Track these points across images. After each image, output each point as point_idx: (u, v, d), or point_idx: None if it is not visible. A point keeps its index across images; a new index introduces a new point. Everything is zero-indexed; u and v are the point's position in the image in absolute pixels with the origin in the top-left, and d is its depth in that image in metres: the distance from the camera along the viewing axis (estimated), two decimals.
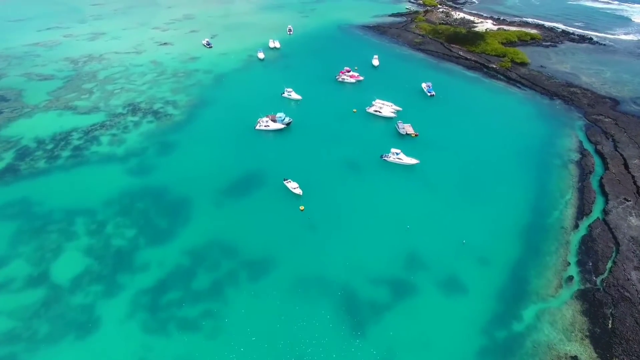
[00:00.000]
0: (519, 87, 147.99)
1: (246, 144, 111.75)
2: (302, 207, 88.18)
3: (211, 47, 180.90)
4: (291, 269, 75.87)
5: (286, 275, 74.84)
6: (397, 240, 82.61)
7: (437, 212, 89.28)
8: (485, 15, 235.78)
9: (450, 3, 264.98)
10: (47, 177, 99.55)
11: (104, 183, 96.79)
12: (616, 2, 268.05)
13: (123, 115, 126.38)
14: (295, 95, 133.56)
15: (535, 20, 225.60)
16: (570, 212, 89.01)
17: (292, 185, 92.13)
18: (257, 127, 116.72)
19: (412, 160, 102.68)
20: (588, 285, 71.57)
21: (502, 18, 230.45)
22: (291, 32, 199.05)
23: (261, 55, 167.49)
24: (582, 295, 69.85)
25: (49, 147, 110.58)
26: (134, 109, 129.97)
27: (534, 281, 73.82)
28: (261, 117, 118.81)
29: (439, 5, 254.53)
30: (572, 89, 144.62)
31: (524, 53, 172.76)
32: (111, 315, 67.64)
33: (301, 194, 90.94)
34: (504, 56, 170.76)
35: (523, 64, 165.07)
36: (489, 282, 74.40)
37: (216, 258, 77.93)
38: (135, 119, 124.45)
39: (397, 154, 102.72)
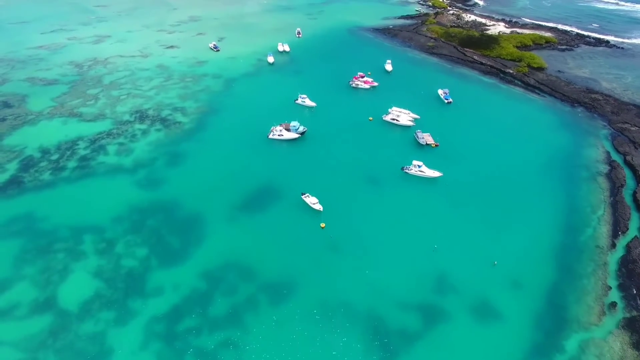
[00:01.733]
0: (538, 94, 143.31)
1: (259, 155, 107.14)
2: (322, 225, 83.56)
3: (218, 50, 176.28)
4: (314, 293, 71.32)
5: (309, 300, 70.29)
6: (424, 261, 78.05)
7: (464, 230, 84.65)
8: (496, 17, 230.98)
9: (460, 5, 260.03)
10: (53, 190, 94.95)
11: (112, 197, 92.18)
12: (629, 4, 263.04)
13: (130, 122, 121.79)
14: (309, 102, 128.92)
15: (547, 22, 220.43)
16: (604, 229, 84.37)
17: (312, 201, 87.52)
18: (270, 136, 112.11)
19: (435, 173, 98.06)
20: (635, 313, 66.88)
21: (514, 20, 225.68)
22: (300, 35, 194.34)
23: (271, 59, 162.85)
24: (630, 325, 65.21)
25: (54, 157, 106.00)
26: (141, 116, 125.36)
27: (573, 307, 69.26)
28: (274, 126, 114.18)
29: (448, 8, 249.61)
30: (593, 96, 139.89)
31: (540, 57, 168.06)
32: (123, 345, 63.15)
33: (321, 209, 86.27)
34: (520, 61, 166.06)
35: (540, 69, 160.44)
36: (524, 308, 69.91)
37: (233, 281, 73.36)
38: (143, 126, 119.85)
39: (419, 166, 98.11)
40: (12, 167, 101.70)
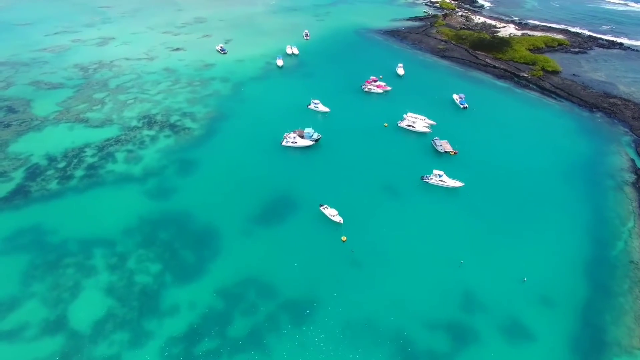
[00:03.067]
0: (554, 98, 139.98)
1: (273, 163, 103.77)
2: (344, 238, 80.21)
3: (225, 53, 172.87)
4: (338, 312, 68.08)
5: (333, 319, 67.03)
6: (450, 276, 74.80)
7: (489, 243, 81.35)
8: (506, 19, 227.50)
9: (468, 6, 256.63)
10: (60, 200, 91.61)
11: (122, 208, 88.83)
12: (639, 5, 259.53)
13: (138, 128, 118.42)
14: (322, 108, 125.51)
15: (557, 24, 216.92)
16: (637, 243, 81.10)
17: (331, 212, 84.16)
18: (284, 144, 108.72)
19: (456, 183, 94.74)
20: None
21: (523, 22, 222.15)
22: (308, 37, 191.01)
23: (280, 62, 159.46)
24: None
25: (61, 165, 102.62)
26: (149, 121, 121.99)
27: (611, 328, 65.95)
28: (287, 132, 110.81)
29: (457, 9, 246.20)
30: (611, 100, 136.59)
31: (554, 60, 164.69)
32: None
33: (342, 222, 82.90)
34: (533, 64, 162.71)
35: (555, 73, 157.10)
36: (559, 328, 66.62)
37: (253, 299, 70.07)
38: (152, 132, 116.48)
39: (439, 175, 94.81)
40: (18, 176, 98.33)
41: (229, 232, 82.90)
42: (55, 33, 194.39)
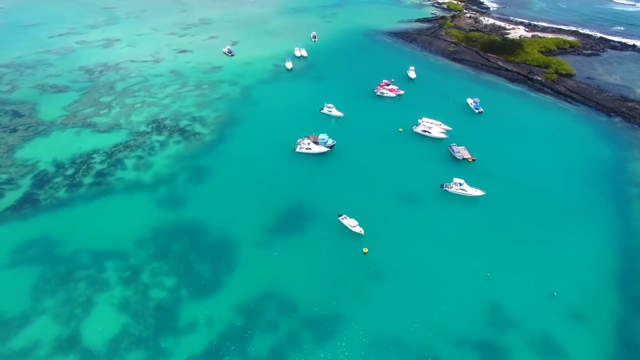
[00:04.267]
0: (570, 102, 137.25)
1: (287, 170, 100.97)
2: (365, 250, 77.41)
3: (233, 55, 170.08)
4: (362, 329, 65.33)
5: (357, 336, 64.31)
6: (476, 291, 72.09)
7: (515, 255, 78.59)
8: (515, 20, 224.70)
9: (475, 8, 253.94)
10: (69, 209, 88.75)
11: (134, 218, 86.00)
12: None
13: (147, 133, 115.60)
14: (336, 112, 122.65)
15: (567, 26, 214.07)
16: None
17: (351, 223, 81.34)
18: (298, 150, 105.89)
19: (477, 192, 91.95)
20: None
21: (533, 24, 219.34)
22: (316, 39, 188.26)
23: (289, 65, 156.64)
24: None
25: (69, 172, 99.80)
26: (158, 126, 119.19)
27: None
28: (301, 138, 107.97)
29: (465, 11, 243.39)
30: (629, 104, 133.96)
31: (567, 63, 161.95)
32: None
33: (362, 233, 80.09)
34: (546, 67, 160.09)
35: (569, 76, 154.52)
36: (593, 346, 63.99)
37: (273, 314, 67.28)
38: (161, 138, 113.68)
39: (460, 184, 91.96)
40: (26, 184, 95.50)
41: (245, 244, 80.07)
42: (60, 35, 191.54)
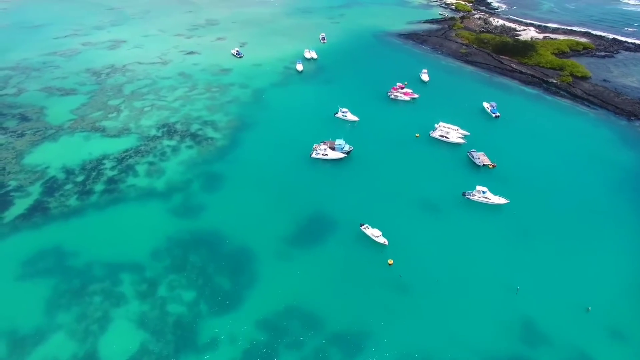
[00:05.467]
0: (588, 106, 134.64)
1: (304, 177, 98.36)
2: (390, 261, 74.78)
3: (242, 57, 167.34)
4: (390, 346, 62.89)
5: (386, 353, 61.77)
6: (507, 304, 69.69)
7: (545, 267, 76.05)
8: (525, 22, 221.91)
9: (484, 9, 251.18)
10: (81, 218, 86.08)
11: (147, 227, 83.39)
12: None
13: (158, 138, 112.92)
14: (351, 117, 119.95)
15: (578, 27, 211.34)
16: None
17: (374, 233, 78.71)
18: (314, 155, 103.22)
19: (501, 200, 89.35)
20: None
21: (543, 25, 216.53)
22: (325, 41, 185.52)
23: (299, 67, 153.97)
24: None
25: (80, 179, 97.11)
26: (169, 130, 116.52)
27: None
28: (317, 144, 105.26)
29: (474, 11, 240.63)
30: None
31: (582, 65, 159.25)
32: None
33: (386, 243, 77.46)
34: (561, 69, 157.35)
35: (584, 78, 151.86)
36: None
37: (297, 330, 64.73)
38: (172, 143, 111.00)
39: (483, 192, 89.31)
40: (36, 191, 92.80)
41: (265, 255, 77.48)
42: (65, 36, 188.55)
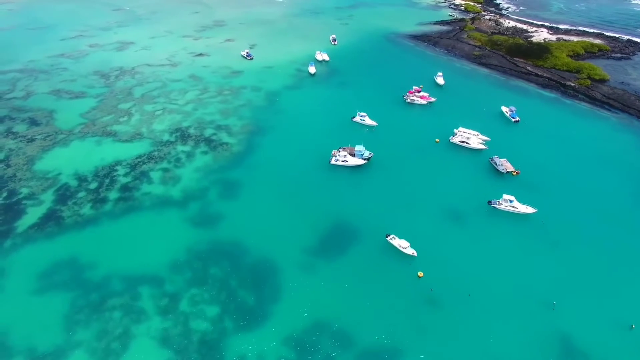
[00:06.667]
0: (608, 110, 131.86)
1: (324, 184, 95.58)
2: (420, 274, 72.05)
3: (252, 58, 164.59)
4: None
5: None
6: (543, 320, 67.07)
7: (581, 281, 73.38)
8: (537, 23, 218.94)
9: (493, 9, 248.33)
10: (96, 227, 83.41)
11: (165, 238, 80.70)
12: None
13: (171, 143, 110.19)
14: (369, 121, 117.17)
15: (590, 28, 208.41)
16: None
17: (402, 244, 76.02)
18: (333, 162, 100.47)
19: (528, 209, 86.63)
20: None
21: (555, 26, 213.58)
22: (335, 43, 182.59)
23: (312, 69, 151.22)
24: None
25: (93, 186, 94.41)
26: (182, 135, 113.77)
27: None
28: (336, 150, 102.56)
29: (483, 12, 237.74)
30: None
31: (600, 68, 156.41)
32: None
33: (415, 254, 74.75)
34: (578, 72, 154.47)
35: (602, 81, 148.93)
36: None
37: (327, 348, 62.17)
38: (187, 148, 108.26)
39: (510, 201, 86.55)
40: (48, 199, 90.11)
41: (288, 267, 74.79)
42: (71, 37, 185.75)
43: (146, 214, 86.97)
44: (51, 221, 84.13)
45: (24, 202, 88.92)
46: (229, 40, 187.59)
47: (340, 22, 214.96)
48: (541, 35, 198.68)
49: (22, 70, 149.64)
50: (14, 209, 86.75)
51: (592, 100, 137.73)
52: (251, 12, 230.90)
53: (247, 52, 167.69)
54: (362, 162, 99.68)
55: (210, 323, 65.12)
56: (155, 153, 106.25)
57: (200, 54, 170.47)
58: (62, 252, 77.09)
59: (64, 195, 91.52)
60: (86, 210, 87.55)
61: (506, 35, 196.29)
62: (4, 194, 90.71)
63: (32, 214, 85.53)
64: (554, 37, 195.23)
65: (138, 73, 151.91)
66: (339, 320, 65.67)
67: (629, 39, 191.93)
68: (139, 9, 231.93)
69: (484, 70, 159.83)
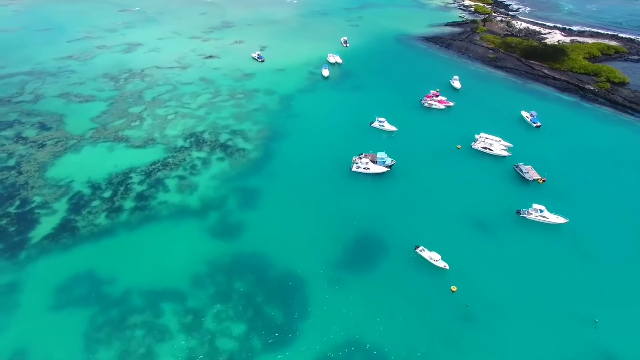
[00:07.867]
0: (631, 114, 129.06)
1: (346, 192, 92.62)
2: (454, 288, 69.07)
3: (263, 61, 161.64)
4: None
5: None
6: (585, 339, 64.01)
7: (624, 295, 70.45)
8: (549, 24, 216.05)
9: (503, 11, 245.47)
10: (112, 238, 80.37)
11: (185, 250, 77.70)
12: None
13: (186, 149, 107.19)
14: (388, 126, 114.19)
15: (603, 29, 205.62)
16: None
17: (432, 256, 73.09)
18: (354, 169, 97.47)
19: (559, 219, 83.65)
20: None
21: (568, 28, 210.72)
22: (347, 45, 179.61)
23: (326, 72, 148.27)
24: None
25: (107, 194, 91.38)
26: (197, 140, 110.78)
27: None
28: (357, 156, 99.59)
29: (494, 14, 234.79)
30: None
31: (619, 70, 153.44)
32: None
33: (447, 267, 71.80)
34: (596, 75, 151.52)
35: (622, 84, 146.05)
36: None
37: None
38: (202, 154, 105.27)
39: (541, 211, 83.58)
40: (62, 208, 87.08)
41: (315, 281, 71.84)
42: (78, 39, 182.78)
43: (164, 224, 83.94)
44: (66, 232, 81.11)
45: (37, 211, 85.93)
46: (238, 42, 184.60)
47: (350, 24, 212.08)
48: (555, 37, 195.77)
49: (30, 73, 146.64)
50: (27, 219, 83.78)
51: (613, 103, 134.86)
52: (259, 12, 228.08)
53: (258, 54, 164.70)
54: (384, 169, 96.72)
55: (238, 342, 62.16)
56: (170, 159, 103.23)
57: (210, 56, 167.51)
58: (79, 265, 74.11)
59: (78, 204, 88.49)
60: (101, 220, 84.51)
61: (519, 37, 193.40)
62: (17, 203, 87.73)
63: (46, 224, 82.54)
64: (567, 39, 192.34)
65: (147, 75, 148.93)
66: (372, 337, 62.79)
67: None
68: (145, 9, 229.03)
69: (500, 73, 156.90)
